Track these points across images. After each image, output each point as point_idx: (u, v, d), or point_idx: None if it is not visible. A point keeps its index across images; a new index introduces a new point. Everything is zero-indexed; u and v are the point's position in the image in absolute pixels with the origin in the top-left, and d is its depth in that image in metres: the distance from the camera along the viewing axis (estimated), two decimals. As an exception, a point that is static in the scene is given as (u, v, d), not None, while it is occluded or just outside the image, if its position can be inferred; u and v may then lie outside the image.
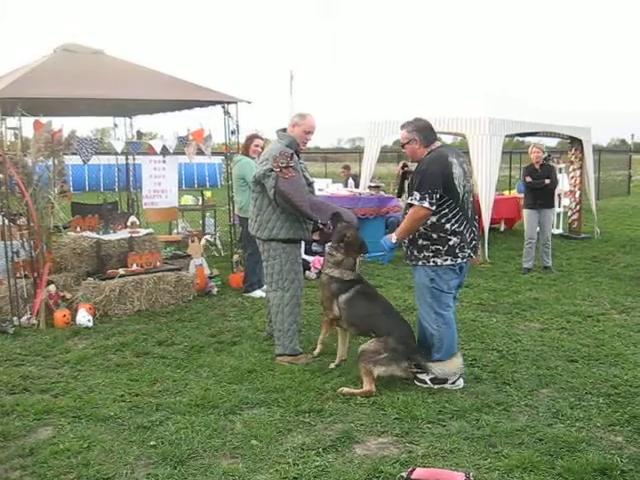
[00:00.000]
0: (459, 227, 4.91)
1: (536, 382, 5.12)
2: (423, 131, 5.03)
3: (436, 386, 4.94)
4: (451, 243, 4.90)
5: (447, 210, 4.86)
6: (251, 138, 8.10)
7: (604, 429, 4.30)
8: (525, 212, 9.99)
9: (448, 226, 4.88)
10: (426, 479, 3.64)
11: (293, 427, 4.36)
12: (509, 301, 7.81)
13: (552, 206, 10.09)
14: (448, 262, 4.92)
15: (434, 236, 4.91)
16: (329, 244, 5.58)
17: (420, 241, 4.97)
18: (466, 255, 4.98)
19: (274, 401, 4.76)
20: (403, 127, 5.13)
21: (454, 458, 3.92)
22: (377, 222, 11.06)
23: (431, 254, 4.94)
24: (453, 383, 4.97)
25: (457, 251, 4.92)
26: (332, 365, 5.50)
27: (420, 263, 5.01)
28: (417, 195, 4.81)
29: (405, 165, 5.42)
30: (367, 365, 4.96)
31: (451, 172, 4.81)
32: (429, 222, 4.89)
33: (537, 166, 9.83)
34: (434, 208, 4.80)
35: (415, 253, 5.03)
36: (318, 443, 4.11)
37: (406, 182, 5.33)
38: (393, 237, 5.09)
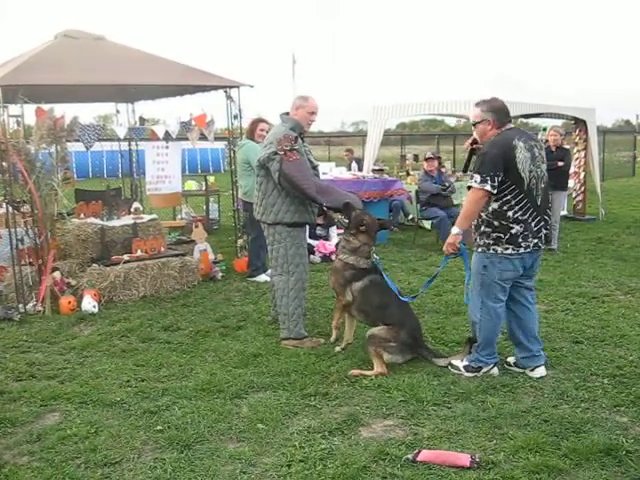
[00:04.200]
0: (523, 215, 4.67)
1: (541, 364, 5.12)
2: (497, 112, 4.81)
3: (468, 374, 4.89)
4: (513, 231, 4.67)
5: (510, 197, 4.64)
6: (256, 122, 8.05)
7: (609, 410, 4.31)
8: None
9: (510, 214, 4.66)
10: (432, 461, 3.65)
11: (299, 410, 4.38)
12: (514, 283, 7.79)
13: (564, 189, 10.10)
14: (509, 251, 4.70)
15: (495, 223, 4.70)
16: (346, 231, 5.56)
17: (482, 228, 4.78)
18: (530, 245, 4.72)
19: (280, 385, 4.78)
20: (478, 105, 4.89)
21: (460, 440, 3.93)
22: (381, 205, 11.04)
23: (491, 241, 4.73)
24: (487, 372, 4.92)
25: (520, 240, 4.68)
26: (337, 349, 5.51)
27: (480, 250, 4.82)
28: (477, 178, 4.62)
29: (475, 141, 5.14)
30: (377, 349, 5.00)
31: (514, 156, 4.58)
32: (491, 209, 4.70)
33: (553, 148, 9.87)
34: (495, 192, 4.60)
35: (477, 240, 4.86)
36: (324, 426, 4.12)
37: (473, 158, 5.13)
38: (455, 229, 4.86)
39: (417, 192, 10.79)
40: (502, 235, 4.69)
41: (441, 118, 25.72)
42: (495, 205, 4.68)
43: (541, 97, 12.24)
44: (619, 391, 4.58)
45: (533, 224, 4.71)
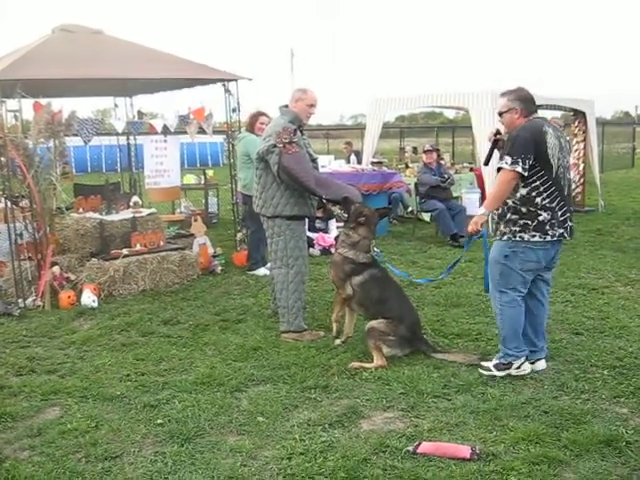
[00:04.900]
0: (550, 203, 4.59)
1: (541, 355, 5.12)
2: (525, 101, 4.74)
3: (500, 373, 4.75)
4: (541, 218, 4.61)
5: (539, 183, 4.58)
6: (257, 115, 8.03)
7: (609, 401, 4.32)
8: None
9: (539, 200, 4.60)
10: (432, 453, 3.66)
11: (299, 403, 4.38)
12: (513, 275, 7.78)
13: None
14: (536, 238, 4.62)
15: (523, 210, 4.62)
16: (345, 225, 5.54)
17: (509, 215, 4.69)
18: (556, 234, 4.65)
19: (280, 378, 4.78)
20: (504, 95, 4.82)
21: (460, 432, 3.94)
22: (380, 198, 11.03)
23: (518, 228, 4.65)
24: (518, 368, 4.78)
25: (547, 228, 4.62)
26: (337, 342, 5.51)
27: (505, 238, 4.71)
28: (508, 159, 4.53)
29: (498, 132, 5.08)
30: (377, 342, 5.01)
31: (545, 140, 4.54)
32: (519, 195, 4.62)
33: None
34: (526, 174, 4.52)
35: (502, 227, 4.76)
36: (324, 419, 4.13)
37: (496, 151, 5.05)
38: (481, 209, 4.82)
39: (416, 184, 10.79)
40: (529, 222, 4.62)
41: (440, 110, 25.71)
42: (524, 191, 4.61)
43: (540, 89, 12.17)
44: (619, 382, 4.59)
45: (560, 213, 4.66)
